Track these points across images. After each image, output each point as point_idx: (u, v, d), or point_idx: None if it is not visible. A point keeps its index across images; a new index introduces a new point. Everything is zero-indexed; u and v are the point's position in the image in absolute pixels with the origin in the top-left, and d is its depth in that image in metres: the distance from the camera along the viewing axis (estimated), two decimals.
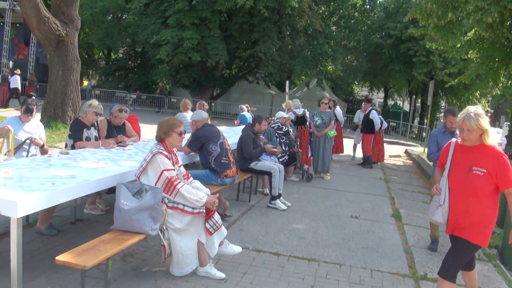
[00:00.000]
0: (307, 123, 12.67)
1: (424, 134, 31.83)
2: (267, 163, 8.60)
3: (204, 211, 5.05)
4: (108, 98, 37.64)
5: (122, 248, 4.46)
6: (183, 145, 7.10)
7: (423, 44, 31.00)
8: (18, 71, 26.44)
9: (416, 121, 40.23)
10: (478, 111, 4.35)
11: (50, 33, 14.65)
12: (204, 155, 7.08)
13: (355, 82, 50.14)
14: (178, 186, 4.92)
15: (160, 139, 5.21)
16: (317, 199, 9.51)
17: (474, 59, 17.92)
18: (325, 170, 11.98)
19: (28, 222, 6.41)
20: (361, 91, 57.81)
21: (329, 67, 42.47)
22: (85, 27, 41.38)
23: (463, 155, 4.52)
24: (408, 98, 39.52)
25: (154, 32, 31.34)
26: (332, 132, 11.90)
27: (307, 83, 38.12)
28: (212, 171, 7.03)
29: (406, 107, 40.48)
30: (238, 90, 41.03)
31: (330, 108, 14.63)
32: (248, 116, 15.45)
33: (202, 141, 7.01)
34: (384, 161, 16.79)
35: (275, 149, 9.34)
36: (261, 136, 9.47)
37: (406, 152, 20.74)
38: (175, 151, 5.47)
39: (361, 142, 15.52)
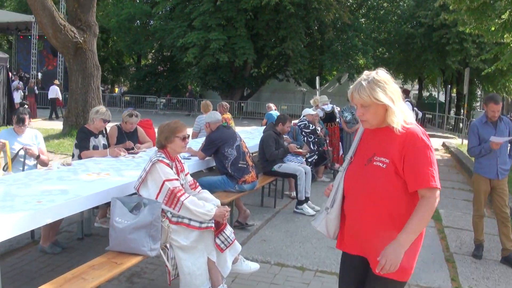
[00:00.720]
0: (337, 119, 12.00)
1: (461, 125, 30.74)
2: (292, 164, 7.97)
3: (213, 225, 4.43)
4: (139, 104, 37.56)
5: (113, 275, 3.84)
6: (197, 150, 6.60)
7: (456, 31, 30.11)
8: (57, 82, 26.58)
9: (452, 112, 38.95)
10: (375, 76, 2.83)
11: (67, 41, 14.30)
12: (220, 160, 6.50)
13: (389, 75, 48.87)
14: (182, 198, 4.32)
15: (161, 145, 4.63)
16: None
17: (511, 42, 16.93)
18: None
19: (33, 239, 5.93)
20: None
21: (360, 60, 41.60)
22: (112, 35, 41.50)
23: (367, 143, 3.02)
24: (443, 89, 38.28)
25: (180, 35, 31.10)
26: None
27: (338, 78, 37.26)
28: (229, 177, 6.43)
29: (441, 98, 39.33)
30: (269, 89, 40.48)
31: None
32: (276, 115, 14.82)
33: (217, 145, 6.43)
34: None
35: (300, 149, 8.71)
36: (285, 136, 8.85)
37: (443, 145, 19.80)
38: (180, 158, 4.89)
39: None
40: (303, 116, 10.42)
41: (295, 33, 30.96)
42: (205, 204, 4.46)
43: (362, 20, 37.91)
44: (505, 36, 15.88)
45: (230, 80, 33.87)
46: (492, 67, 17.23)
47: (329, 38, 32.48)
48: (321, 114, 11.69)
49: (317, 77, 25.93)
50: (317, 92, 26.18)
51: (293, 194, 8.59)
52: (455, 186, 10.92)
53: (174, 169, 4.56)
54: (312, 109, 11.05)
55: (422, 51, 34.59)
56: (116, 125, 7.36)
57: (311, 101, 12.51)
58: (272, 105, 15.05)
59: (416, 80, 47.96)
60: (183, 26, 31.76)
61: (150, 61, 49.26)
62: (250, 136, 10.39)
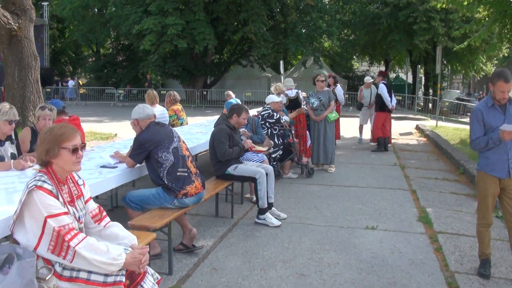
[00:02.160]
0: (303, 105, 10.70)
1: (430, 105, 29.86)
2: (250, 165, 6.55)
3: (123, 279, 2.94)
4: (98, 96, 35.89)
5: None
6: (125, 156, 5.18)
7: (423, 9, 29.24)
8: None
9: (420, 93, 38.08)
10: None
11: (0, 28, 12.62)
12: (152, 168, 5.02)
13: (354, 57, 47.97)
14: (72, 243, 2.83)
15: (43, 162, 3.07)
16: (320, 202, 7.44)
17: (483, 18, 15.85)
18: (328, 161, 9.94)
19: None
20: (361, 66, 55.71)
21: (326, 43, 40.46)
22: (67, 23, 39.48)
23: None
24: (410, 69, 37.38)
25: (136, 22, 29.50)
26: (333, 115, 9.87)
27: (303, 62, 35.98)
28: (166, 189, 4.98)
29: (409, 78, 38.45)
30: (233, 76, 39.23)
31: (329, 86, 12.68)
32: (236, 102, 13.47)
33: (147, 148, 4.93)
34: (395, 141, 14.81)
35: (260, 147, 7.37)
36: (242, 129, 7.48)
37: (417, 128, 18.69)
38: (76, 177, 3.33)
39: (373, 124, 13.53)
40: (267, 104, 9.08)
41: (256, 16, 29.68)
42: (109, 248, 2.93)
43: (326, 1, 36.61)
44: (480, 9, 14.77)
45: (191, 67, 32.43)
46: (465, 43, 16.14)
47: (292, 20, 31.23)
48: (285, 100, 10.39)
49: (281, 61, 24.51)
50: (282, 77, 24.90)
51: (255, 198, 7.24)
52: (438, 176, 9.70)
53: (64, 195, 3.05)
54: (276, 96, 9.70)
55: (389, 32, 33.60)
56: (29, 126, 5.90)
57: (272, 88, 11.12)
58: (231, 93, 13.67)
59: (383, 62, 47.02)
60: (139, 11, 30.18)
61: (110, 50, 47.32)
62: (205, 130, 8.97)
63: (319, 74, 10.45)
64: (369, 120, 14.20)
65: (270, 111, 8.84)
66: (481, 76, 43.74)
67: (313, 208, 7.09)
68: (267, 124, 8.76)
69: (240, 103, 13.39)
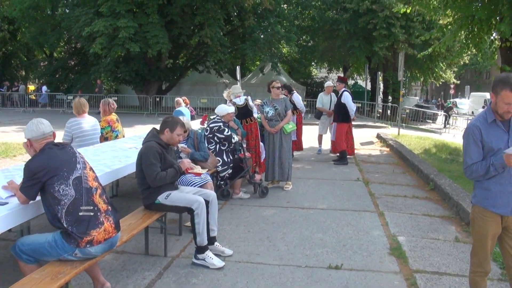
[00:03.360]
0: (254, 114, 9.66)
1: (389, 112, 29.33)
2: (186, 192, 5.38)
3: None
4: (51, 103, 34.20)
5: None
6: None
7: (383, 16, 28.73)
8: None
9: (379, 100, 37.58)
10: None
11: None
12: (49, 205, 3.81)
13: (313, 63, 47.34)
14: None
15: None
16: (274, 231, 6.33)
17: (447, 25, 15.13)
18: (285, 177, 8.87)
19: None
20: (319, 72, 55.18)
21: (284, 49, 39.63)
22: (17, 24, 37.62)
23: None
24: (369, 76, 36.85)
25: (87, 24, 27.99)
26: (290, 126, 8.82)
27: (261, 68, 35.08)
28: (65, 235, 3.79)
29: (368, 86, 37.98)
30: (189, 81, 38.16)
31: (285, 95, 11.69)
32: (187, 112, 12.32)
33: (39, 179, 3.72)
34: (356, 151, 13.91)
35: (198, 170, 6.16)
36: (181, 145, 6.37)
37: (378, 136, 17.85)
38: None
39: (333, 133, 12.54)
40: (217, 116, 7.98)
41: (213, 20, 28.62)
42: None
43: (284, 6, 35.70)
44: (447, 13, 14.03)
45: (144, 72, 31.12)
46: (429, 50, 15.36)
47: (249, 25, 30.23)
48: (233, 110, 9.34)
49: (237, 67, 23.58)
50: (238, 83, 23.93)
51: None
52: (407, 192, 8.73)
53: None
54: (228, 105, 8.61)
55: (348, 38, 32.97)
56: None
57: (224, 94, 10.03)
58: (181, 100, 12.60)
59: (341, 68, 46.51)
60: (90, 13, 28.63)
61: (62, 54, 45.39)
62: (140, 144, 7.75)
63: (274, 80, 9.36)
64: (328, 129, 13.24)
65: (221, 124, 7.76)
66: (440, 83, 43.55)
67: (265, 239, 5.97)
68: (215, 138, 7.66)
69: (188, 112, 12.37)
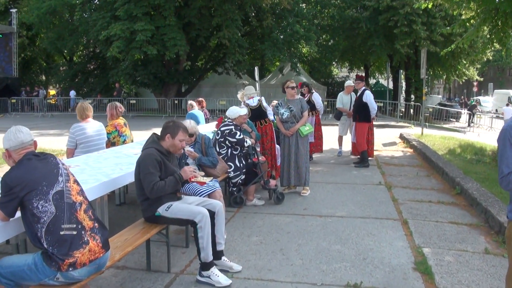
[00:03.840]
0: (270, 115, 9.23)
1: (411, 111, 28.72)
2: (190, 202, 4.95)
3: None
4: (67, 107, 34.26)
5: None
6: None
7: (404, 13, 28.16)
8: None
9: (402, 99, 36.90)
10: None
11: None
12: (28, 222, 3.39)
13: (333, 63, 46.74)
14: None
15: None
16: (288, 242, 5.86)
17: (469, 19, 14.53)
18: (302, 182, 8.41)
19: None
20: (340, 72, 54.53)
21: (304, 49, 39.17)
22: (35, 30, 37.65)
23: None
24: (391, 75, 36.17)
25: (104, 28, 27.92)
26: (307, 128, 8.36)
27: (280, 69, 34.62)
28: (46, 257, 3.37)
29: (389, 84, 37.31)
30: (208, 83, 37.85)
31: (303, 95, 11.25)
32: (200, 115, 11.94)
33: (17, 194, 3.31)
34: (378, 153, 13.42)
35: (203, 178, 5.55)
36: (188, 149, 5.97)
37: (401, 137, 17.28)
38: None
39: (353, 134, 12.07)
40: (229, 119, 7.56)
41: (230, 21, 28.28)
42: None
43: (303, 5, 35.14)
44: (471, 6, 13.45)
45: (163, 75, 30.96)
46: (452, 46, 14.78)
47: (268, 25, 29.86)
48: (246, 112, 8.95)
49: (255, 68, 23.10)
50: (257, 84, 23.52)
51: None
52: (432, 197, 8.22)
53: None
54: (241, 107, 8.15)
55: (368, 36, 32.36)
56: None
57: (239, 96, 9.61)
58: (194, 103, 12.20)
59: (362, 67, 45.86)
60: (107, 17, 28.60)
61: (83, 59, 45.34)
62: None
63: (289, 79, 8.89)
64: (348, 130, 12.75)
65: (232, 127, 7.34)
66: (463, 80, 42.68)
67: (278, 251, 5.52)
68: (227, 142, 7.25)
69: (202, 114, 11.98)
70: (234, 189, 7.36)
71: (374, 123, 12.02)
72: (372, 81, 51.15)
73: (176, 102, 29.71)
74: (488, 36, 14.71)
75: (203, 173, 5.65)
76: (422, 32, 28.88)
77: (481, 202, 7.10)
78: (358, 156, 11.80)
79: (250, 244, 5.77)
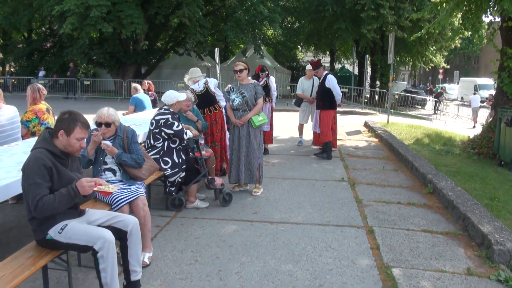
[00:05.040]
0: (218, 99, 8.16)
1: (376, 97, 28.01)
2: (90, 222, 3.80)
3: None
4: (23, 87, 32.40)
5: None
6: None
7: None
8: None
9: (367, 85, 36.11)
10: None
11: None
12: None
13: (299, 46, 45.71)
14: None
15: None
16: (230, 260, 4.75)
17: (442, 2, 13.65)
18: (253, 180, 7.34)
19: None
20: (305, 56, 53.60)
21: (269, 31, 38.02)
22: None
23: None
24: (357, 60, 35.32)
25: (57, 2, 26.13)
26: (260, 118, 7.24)
27: (243, 51, 33.43)
28: None
29: (355, 70, 36.52)
30: (169, 65, 36.54)
31: (258, 78, 10.18)
32: (146, 99, 10.80)
33: None
34: (341, 142, 12.49)
35: (108, 188, 3.83)
36: (106, 142, 4.83)
37: (366, 125, 16.37)
38: None
39: (315, 123, 11.05)
40: (165, 106, 6.40)
41: None
42: None
43: None
44: None
45: (120, 55, 29.42)
46: (423, 31, 13.88)
47: (230, 4, 28.58)
48: (193, 99, 7.84)
49: (216, 49, 21.94)
50: (217, 66, 22.38)
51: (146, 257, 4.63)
52: (401, 197, 7.25)
53: None
54: (182, 92, 7.00)
55: (335, 20, 31.24)
56: None
57: (185, 79, 8.43)
58: (138, 86, 11.09)
59: (328, 52, 44.95)
60: None
61: (40, 36, 43.19)
62: None
63: (239, 62, 7.62)
64: (310, 118, 11.74)
65: (169, 116, 6.18)
66: (430, 67, 42.11)
67: (215, 274, 4.41)
68: (162, 134, 6.12)
69: (147, 98, 10.82)
70: (173, 189, 6.23)
71: (338, 109, 11.02)
72: (338, 66, 50.39)
73: (132, 83, 28.29)
74: (460, 21, 13.84)
75: (108, 184, 4.17)
76: (390, 17, 27.95)
77: (459, 206, 6.15)
78: (320, 147, 10.81)
79: (182, 263, 4.65)
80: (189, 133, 6.26)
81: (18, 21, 34.70)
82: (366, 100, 27.45)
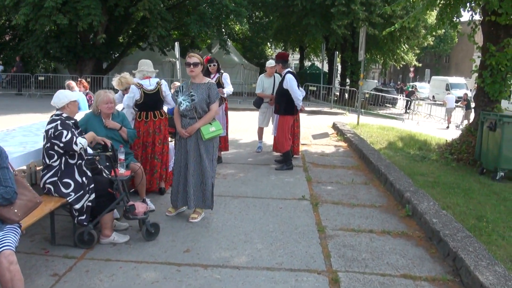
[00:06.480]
0: (165, 103, 6.83)
1: (346, 96, 26.93)
2: None
3: None
4: None
5: None
6: None
7: None
8: None
9: (337, 82, 34.98)
10: None
11: None
12: None
13: (268, 42, 44.40)
14: None
15: None
16: None
17: None
18: (206, 204, 5.90)
19: None
20: (274, 52, 52.38)
21: (236, 26, 36.63)
22: None
23: None
24: (326, 57, 34.15)
25: None
26: (213, 129, 5.78)
27: (208, 47, 32.04)
28: None
29: (325, 67, 35.38)
30: (132, 60, 34.71)
31: (209, 74, 8.82)
32: (81, 98, 9.37)
33: None
34: (306, 148, 11.22)
35: None
36: None
37: (334, 127, 15.08)
38: None
39: (275, 127, 9.63)
40: (56, 111, 4.91)
41: None
42: None
43: None
44: None
45: (77, 49, 27.67)
46: (396, 25, 12.66)
47: None
48: (137, 96, 6.47)
49: (176, 44, 20.52)
50: (177, 62, 20.99)
51: None
52: (374, 224, 5.92)
53: None
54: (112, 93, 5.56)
55: (304, 15, 29.96)
56: None
57: (114, 83, 6.95)
58: (73, 84, 9.65)
59: (297, 49, 43.78)
60: None
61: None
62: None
63: (193, 53, 6.09)
64: (270, 120, 10.38)
65: (58, 122, 4.71)
66: (401, 65, 41.13)
67: None
68: (56, 148, 4.67)
69: (84, 98, 9.40)
70: (83, 217, 4.77)
71: (306, 108, 9.64)
72: (307, 63, 49.27)
73: (89, 79, 26.53)
74: (438, 16, 12.68)
75: None
76: (361, 13, 26.89)
77: (447, 240, 4.86)
78: (281, 154, 9.47)
79: None
80: (82, 142, 4.75)
81: None
82: (335, 99, 26.38)
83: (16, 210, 3.55)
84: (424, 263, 4.77)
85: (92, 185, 4.82)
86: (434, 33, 15.46)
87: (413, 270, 4.59)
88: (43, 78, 28.20)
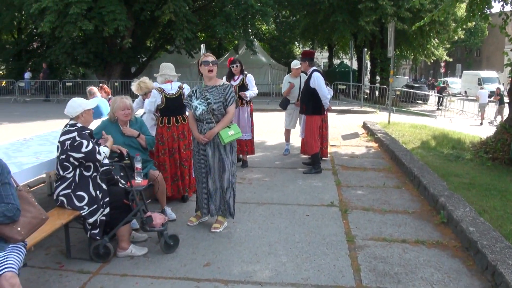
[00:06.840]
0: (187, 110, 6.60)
1: (377, 93, 26.40)
2: None
3: None
4: (9, 90, 30.96)
5: None
6: None
7: None
8: None
9: (366, 80, 34.37)
10: None
11: None
12: None
13: (296, 42, 44.00)
14: None
15: None
16: None
17: None
18: (228, 213, 5.66)
19: None
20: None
21: (263, 26, 36.35)
22: None
23: None
24: (355, 55, 33.61)
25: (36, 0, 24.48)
26: (231, 132, 5.53)
27: (235, 48, 31.80)
28: None
29: (354, 64, 34.82)
30: (160, 63, 34.50)
31: (232, 76, 8.57)
32: (103, 102, 9.20)
33: None
34: (335, 149, 10.89)
35: None
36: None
37: (365, 126, 14.69)
38: None
39: (303, 129, 9.30)
40: (70, 121, 4.72)
41: None
42: None
43: None
44: None
45: (104, 54, 27.75)
46: (426, 19, 12.22)
47: None
48: (158, 101, 6.27)
49: (202, 46, 20.36)
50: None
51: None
52: (407, 233, 5.55)
53: None
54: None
55: (331, 12, 29.51)
56: None
57: (133, 87, 6.78)
58: (95, 89, 9.47)
59: (326, 47, 43.26)
60: None
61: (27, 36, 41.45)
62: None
63: (207, 54, 5.85)
64: (298, 122, 10.07)
65: (75, 134, 4.52)
66: (432, 61, 40.28)
67: None
68: (71, 160, 4.49)
69: (106, 103, 9.22)
70: (96, 231, 4.56)
71: (334, 107, 9.29)
72: (336, 61, 48.74)
73: (117, 84, 26.51)
74: (468, 8, 12.23)
75: None
76: (389, 8, 26.32)
77: (485, 252, 4.50)
78: (309, 156, 9.15)
79: None
80: (106, 151, 4.56)
81: (1, 21, 33.18)
82: (365, 97, 25.90)
83: (19, 229, 3.32)
84: (461, 277, 4.41)
85: (107, 199, 4.60)
86: (464, 26, 15.01)
87: (449, 285, 4.24)
88: (71, 84, 28.35)
